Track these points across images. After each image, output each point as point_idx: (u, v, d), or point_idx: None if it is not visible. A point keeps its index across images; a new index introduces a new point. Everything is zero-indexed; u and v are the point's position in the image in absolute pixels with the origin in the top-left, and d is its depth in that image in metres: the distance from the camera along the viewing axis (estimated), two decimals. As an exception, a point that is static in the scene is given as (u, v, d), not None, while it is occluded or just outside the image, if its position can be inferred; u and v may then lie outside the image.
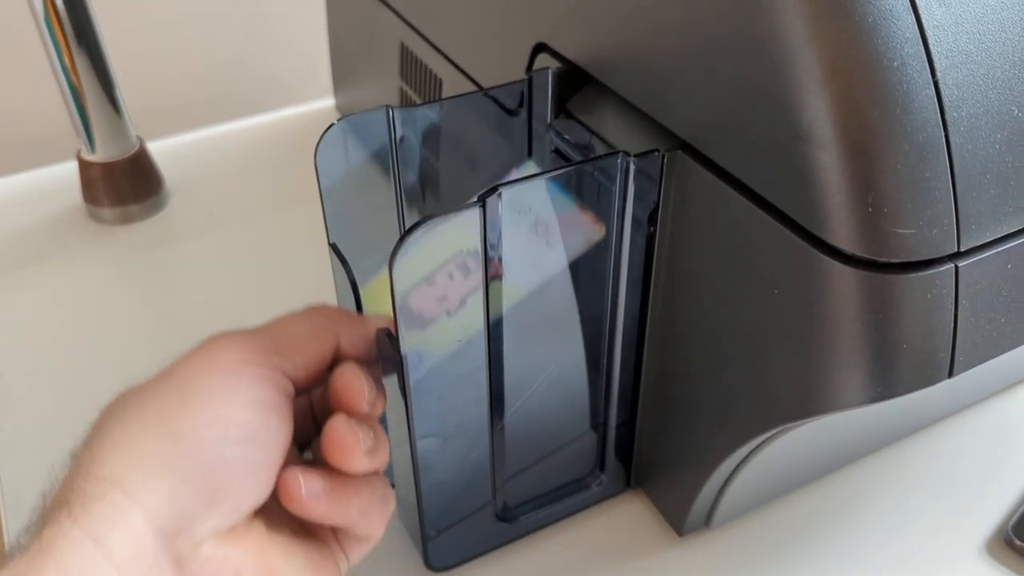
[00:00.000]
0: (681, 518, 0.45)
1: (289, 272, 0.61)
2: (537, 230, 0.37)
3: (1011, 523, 0.46)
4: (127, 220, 0.68)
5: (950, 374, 0.31)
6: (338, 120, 0.39)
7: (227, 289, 0.62)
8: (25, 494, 0.48)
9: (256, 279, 0.62)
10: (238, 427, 0.30)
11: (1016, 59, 0.30)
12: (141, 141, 0.68)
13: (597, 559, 0.45)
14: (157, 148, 0.71)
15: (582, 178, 0.36)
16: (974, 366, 0.32)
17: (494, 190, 0.33)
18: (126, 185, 0.67)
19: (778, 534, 0.46)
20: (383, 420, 0.44)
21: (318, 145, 0.38)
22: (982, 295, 0.31)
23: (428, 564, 0.43)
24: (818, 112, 0.29)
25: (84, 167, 0.67)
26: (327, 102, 0.81)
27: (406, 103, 0.62)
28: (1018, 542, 0.45)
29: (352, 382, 0.33)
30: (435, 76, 0.56)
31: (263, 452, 0.31)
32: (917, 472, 0.49)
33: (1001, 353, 0.32)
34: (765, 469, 0.42)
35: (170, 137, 0.76)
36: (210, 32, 0.85)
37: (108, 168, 0.66)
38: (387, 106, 0.39)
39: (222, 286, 0.62)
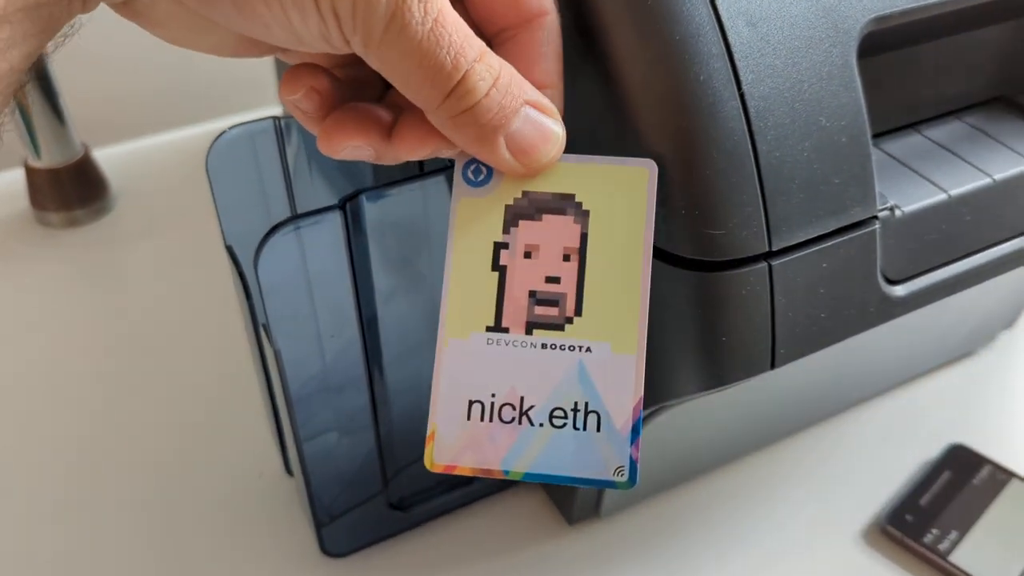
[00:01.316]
0: (570, 507, 0.47)
1: (230, 275, 0.63)
2: (408, 231, 0.39)
3: (885, 512, 0.48)
4: (73, 224, 0.70)
5: (772, 365, 0.34)
6: (229, 129, 0.41)
7: (170, 291, 0.64)
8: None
9: (198, 282, 0.64)
10: None
11: (824, 73, 0.32)
12: (86, 148, 0.70)
13: (490, 546, 0.47)
14: (105, 155, 0.74)
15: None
16: (797, 358, 0.34)
17: (356, 194, 0.35)
18: (71, 190, 0.70)
19: (665, 523, 0.48)
20: (276, 414, 0.46)
21: (208, 152, 0.41)
22: (798, 292, 0.33)
23: (323, 549, 0.45)
24: (633, 122, 0.31)
25: (31, 173, 0.69)
26: (272, 110, 0.83)
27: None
28: (891, 529, 0.47)
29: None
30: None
31: None
32: (802, 466, 0.51)
33: (824, 347, 0.34)
34: (642, 461, 0.45)
35: (117, 144, 0.79)
36: (155, 41, 0.87)
37: (54, 174, 0.69)
38: (273, 117, 0.42)
39: (165, 288, 0.64)
